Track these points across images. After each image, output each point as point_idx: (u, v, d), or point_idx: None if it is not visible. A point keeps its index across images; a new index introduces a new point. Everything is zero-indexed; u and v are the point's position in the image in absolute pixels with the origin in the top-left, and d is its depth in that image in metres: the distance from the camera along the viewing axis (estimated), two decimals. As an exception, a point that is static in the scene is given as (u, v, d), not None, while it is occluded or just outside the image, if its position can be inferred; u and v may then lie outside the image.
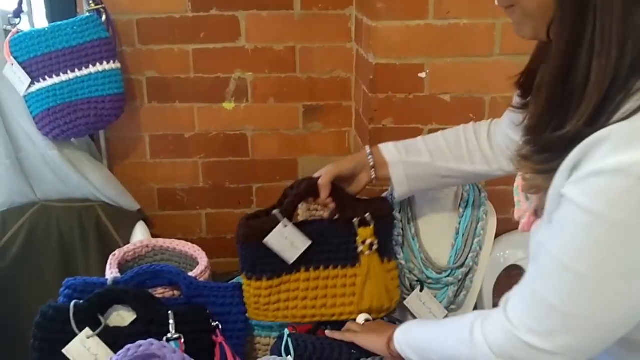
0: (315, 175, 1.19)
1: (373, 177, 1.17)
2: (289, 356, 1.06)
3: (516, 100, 0.93)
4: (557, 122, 0.68)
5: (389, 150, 1.16)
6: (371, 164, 1.16)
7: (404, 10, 1.47)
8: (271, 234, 1.14)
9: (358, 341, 1.10)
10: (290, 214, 1.17)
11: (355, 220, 1.17)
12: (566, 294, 0.69)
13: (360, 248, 1.18)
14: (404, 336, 0.99)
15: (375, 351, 1.07)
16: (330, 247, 1.19)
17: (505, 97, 1.54)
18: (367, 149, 1.17)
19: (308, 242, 1.16)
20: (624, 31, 0.62)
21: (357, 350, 1.10)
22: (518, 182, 0.90)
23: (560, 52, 0.66)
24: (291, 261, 1.17)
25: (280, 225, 1.15)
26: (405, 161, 1.15)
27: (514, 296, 0.78)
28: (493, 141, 1.17)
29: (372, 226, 1.17)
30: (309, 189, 1.19)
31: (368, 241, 1.17)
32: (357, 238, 1.18)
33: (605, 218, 0.63)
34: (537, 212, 0.81)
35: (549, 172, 0.70)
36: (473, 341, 0.80)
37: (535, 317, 0.72)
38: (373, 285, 1.18)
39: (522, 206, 0.87)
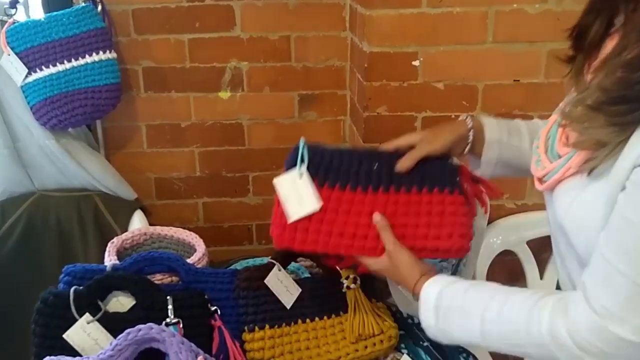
0: (400, 144, 1.05)
1: (466, 152, 1.05)
2: (303, 164, 0.98)
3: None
4: None
5: (490, 126, 1.04)
6: (470, 139, 1.03)
7: (397, -2, 1.48)
8: (270, 275, 1.21)
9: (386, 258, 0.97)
10: (282, 263, 1.24)
11: (337, 266, 1.24)
12: None
13: (345, 283, 1.23)
14: (441, 295, 0.88)
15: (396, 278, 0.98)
16: (320, 299, 1.24)
17: (498, 85, 1.56)
18: (469, 121, 1.03)
19: (298, 289, 1.23)
20: None
21: (377, 161, 1.00)
22: (540, 141, 0.88)
23: None
24: (288, 305, 1.22)
25: (275, 269, 1.21)
26: (503, 142, 1.03)
27: (595, 282, 0.72)
28: None
29: (352, 267, 1.24)
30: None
31: (351, 276, 1.22)
32: (342, 279, 1.23)
33: None
34: (584, 167, 0.75)
35: (626, 125, 0.67)
36: (558, 343, 0.74)
37: (625, 304, 0.68)
38: (361, 314, 1.23)
39: (545, 165, 0.84)
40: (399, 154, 1.00)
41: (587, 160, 0.74)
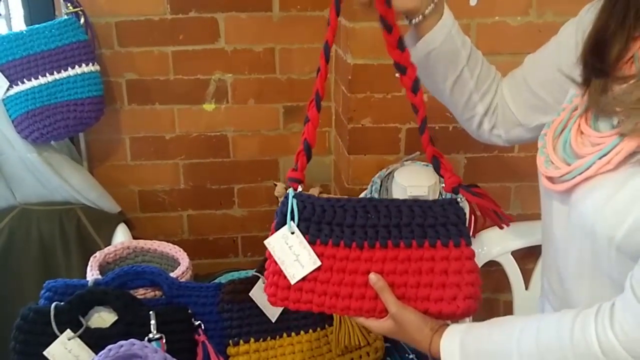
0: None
1: (427, 13, 0.96)
2: (292, 222, 0.92)
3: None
4: None
5: (449, 15, 0.98)
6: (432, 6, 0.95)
7: (380, 11, 1.48)
8: (255, 287, 1.20)
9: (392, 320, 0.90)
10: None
11: None
12: None
13: None
14: (463, 344, 0.82)
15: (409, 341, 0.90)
16: (306, 313, 1.22)
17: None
18: None
19: None
20: None
21: (372, 211, 0.93)
22: (545, 141, 0.86)
23: None
24: (274, 319, 1.22)
25: (260, 282, 1.21)
26: (452, 35, 0.98)
27: (627, 306, 0.69)
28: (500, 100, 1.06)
29: None
30: None
31: None
32: None
33: None
34: (632, 158, 0.73)
35: None
36: (612, 358, 0.69)
37: None
38: (347, 326, 1.23)
39: (559, 166, 0.81)
40: (395, 202, 0.93)
41: (635, 152, 0.71)
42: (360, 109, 1.58)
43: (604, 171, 0.74)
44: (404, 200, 0.93)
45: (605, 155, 0.74)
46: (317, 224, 0.92)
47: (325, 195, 1.07)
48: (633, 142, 0.71)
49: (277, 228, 0.93)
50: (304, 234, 0.92)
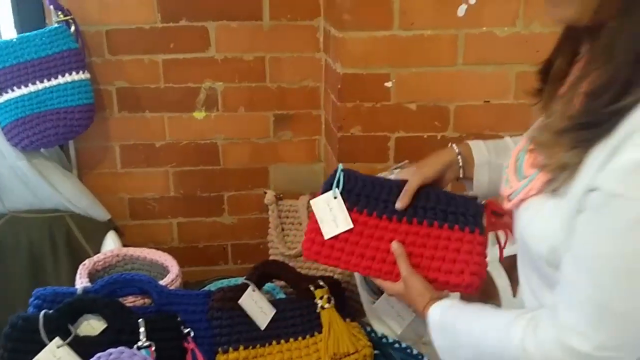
0: (393, 177, 1.16)
1: (460, 176, 1.10)
2: (337, 188, 1.09)
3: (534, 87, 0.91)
4: (617, 93, 0.67)
5: (479, 149, 1.09)
6: (460, 164, 1.08)
7: (369, 21, 1.50)
8: (244, 295, 1.23)
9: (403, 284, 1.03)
10: (256, 283, 1.27)
11: (311, 286, 1.29)
12: (613, 292, 0.68)
13: (320, 303, 1.27)
14: (439, 317, 0.94)
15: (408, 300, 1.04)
16: (294, 320, 1.27)
17: (469, 105, 1.59)
18: (455, 148, 1.09)
19: (273, 310, 1.26)
20: None
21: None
22: (509, 161, 0.91)
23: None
24: (263, 327, 1.24)
25: (249, 289, 1.24)
26: (493, 163, 1.07)
27: (564, 300, 0.74)
28: None
29: (326, 288, 1.29)
30: (274, 267, 1.33)
31: (325, 296, 1.27)
32: (315, 299, 1.28)
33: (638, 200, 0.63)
34: (546, 187, 0.78)
35: (585, 147, 0.69)
36: (527, 356, 0.77)
37: (587, 320, 0.71)
38: (336, 333, 1.25)
39: (512, 185, 0.87)
40: (426, 188, 1.07)
41: (549, 181, 0.77)
42: (350, 117, 1.59)
43: (530, 195, 0.81)
44: (434, 188, 1.08)
45: (531, 181, 0.81)
46: (357, 195, 1.09)
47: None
48: (544, 176, 0.78)
49: (323, 192, 1.10)
50: (344, 200, 1.09)
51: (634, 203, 0.65)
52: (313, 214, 1.10)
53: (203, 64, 1.76)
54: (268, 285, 1.41)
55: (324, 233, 1.08)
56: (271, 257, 1.67)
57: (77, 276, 1.30)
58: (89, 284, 1.25)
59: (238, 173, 1.88)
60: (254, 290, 1.25)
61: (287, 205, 1.74)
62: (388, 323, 1.36)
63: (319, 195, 1.11)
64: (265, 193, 1.76)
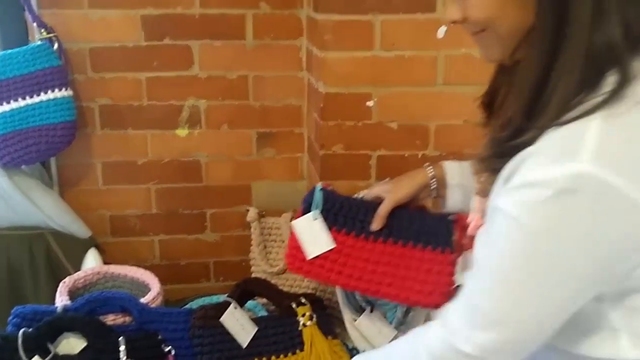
0: (367, 197, 1.19)
1: (434, 196, 1.15)
2: (317, 209, 1.13)
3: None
4: (518, 131, 0.72)
5: (452, 171, 1.13)
6: (433, 186, 1.13)
7: (351, 41, 1.53)
8: (226, 313, 1.23)
9: None
10: (238, 301, 1.28)
11: (293, 304, 1.30)
12: (490, 297, 0.73)
13: (302, 321, 1.28)
14: None
15: None
16: (276, 338, 1.28)
17: (449, 125, 1.62)
18: (430, 170, 1.13)
19: (255, 327, 1.26)
20: (587, 49, 0.67)
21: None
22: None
23: (538, 67, 0.70)
24: (245, 344, 1.24)
25: (231, 307, 1.24)
26: (465, 185, 1.12)
27: (452, 304, 0.81)
28: None
29: (308, 305, 1.30)
30: (256, 284, 1.34)
31: (307, 314, 1.28)
32: (297, 317, 1.29)
33: (525, 225, 0.68)
34: (481, 213, 0.87)
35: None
36: (418, 356, 0.83)
37: (467, 321, 0.76)
38: (317, 351, 1.26)
39: (475, 210, 0.93)
40: (401, 210, 1.12)
41: (481, 205, 0.84)
42: (332, 136, 1.61)
43: (480, 223, 0.88)
44: (408, 210, 1.13)
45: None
46: (335, 215, 1.14)
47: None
48: (479, 202, 0.86)
49: (304, 213, 1.14)
50: (324, 220, 1.13)
51: (511, 219, 0.69)
52: (293, 232, 1.14)
53: (186, 82, 1.77)
54: (250, 303, 1.41)
55: (306, 254, 1.13)
56: (253, 275, 1.67)
57: (57, 294, 1.29)
58: (69, 302, 1.24)
59: (220, 190, 1.89)
60: (235, 308, 1.25)
61: (269, 223, 1.74)
62: (370, 340, 1.36)
63: (298, 215, 1.14)
64: (248, 210, 1.77)
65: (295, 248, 1.15)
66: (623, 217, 0.64)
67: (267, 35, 1.76)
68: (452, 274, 1.09)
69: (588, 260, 0.67)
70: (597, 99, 0.66)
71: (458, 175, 1.12)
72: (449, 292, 1.07)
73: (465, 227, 1.10)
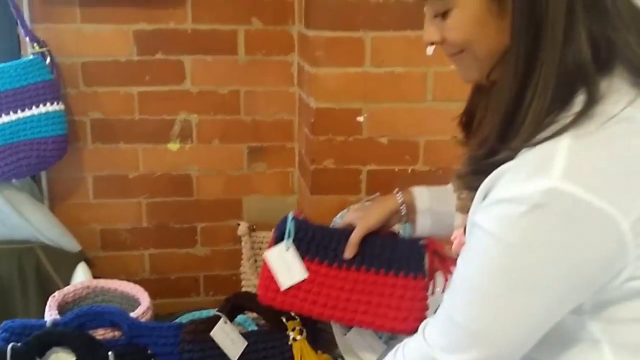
0: (339, 224, 1.21)
1: (403, 221, 1.17)
2: (290, 239, 1.13)
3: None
4: (494, 150, 0.74)
5: (421, 197, 1.15)
6: (403, 212, 1.15)
7: (342, 58, 1.55)
8: (215, 327, 1.23)
9: None
10: (228, 315, 1.28)
11: (283, 318, 1.29)
12: (469, 311, 0.75)
13: (291, 335, 1.28)
14: None
15: None
16: (266, 352, 1.27)
17: (438, 140, 1.63)
18: (400, 196, 1.15)
19: (245, 342, 1.26)
20: (557, 72, 0.69)
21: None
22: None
23: (513, 86, 0.72)
24: (234, 359, 1.24)
25: (221, 321, 1.24)
26: (434, 210, 1.15)
27: (432, 319, 0.83)
28: None
29: (298, 319, 1.29)
30: (246, 298, 1.33)
31: (297, 328, 1.28)
32: (288, 331, 1.28)
33: (502, 240, 0.70)
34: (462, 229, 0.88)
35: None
36: None
37: (446, 335, 0.78)
38: None
39: (458, 227, 0.94)
40: (372, 237, 1.12)
41: (463, 221, 0.84)
42: (323, 150, 1.62)
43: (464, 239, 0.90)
44: (379, 236, 1.13)
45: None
46: (307, 244, 1.14)
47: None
48: (462, 218, 0.86)
49: (276, 242, 1.14)
50: (296, 249, 1.13)
51: (488, 234, 0.71)
52: (266, 263, 1.14)
53: (178, 97, 1.78)
54: (240, 317, 1.41)
55: (280, 284, 1.13)
56: (244, 289, 1.67)
57: (47, 308, 1.29)
58: (58, 317, 1.24)
59: (211, 204, 1.89)
60: (225, 322, 1.25)
61: (260, 237, 1.75)
62: (360, 355, 1.37)
63: (271, 244, 1.14)
64: (239, 225, 1.77)
65: (268, 279, 1.14)
66: (593, 230, 0.66)
67: (259, 50, 1.78)
68: (425, 298, 1.11)
69: (563, 272, 0.69)
70: (567, 119, 0.69)
71: (427, 200, 1.15)
72: (423, 317, 1.09)
73: (436, 251, 1.13)
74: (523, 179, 0.68)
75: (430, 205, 1.14)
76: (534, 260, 0.69)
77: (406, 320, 1.09)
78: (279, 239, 1.14)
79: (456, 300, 0.77)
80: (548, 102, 0.70)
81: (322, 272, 1.13)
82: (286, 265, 1.13)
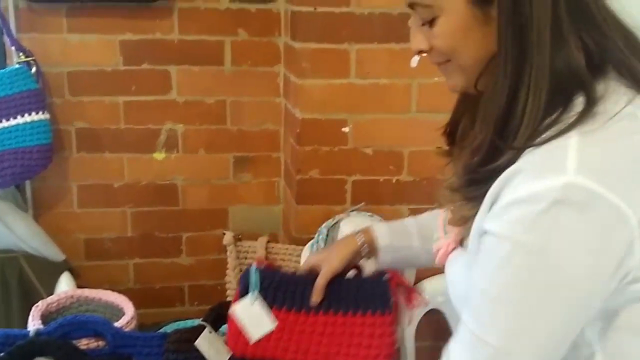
0: (302, 269, 1.20)
1: (366, 259, 1.18)
2: (256, 291, 1.11)
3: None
4: (492, 155, 0.73)
5: (382, 235, 1.16)
6: (364, 253, 1.16)
7: (327, 69, 1.57)
8: (200, 337, 1.22)
9: None
10: (213, 325, 1.27)
11: None
12: (498, 325, 0.70)
13: None
14: None
15: None
16: None
17: (423, 151, 1.65)
18: (360, 237, 1.15)
19: (229, 352, 1.23)
20: (550, 73, 0.70)
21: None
22: (439, 220, 0.97)
23: (503, 91, 0.72)
24: None
25: (206, 331, 1.23)
26: (395, 246, 1.16)
27: (454, 343, 0.77)
28: None
29: None
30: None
31: None
32: None
33: (523, 244, 0.67)
34: (462, 242, 0.86)
35: (478, 199, 0.74)
36: None
37: (476, 356, 0.72)
38: None
39: (440, 240, 0.93)
40: (337, 279, 1.13)
41: (458, 234, 0.85)
42: (308, 161, 1.64)
43: (451, 249, 0.89)
44: (343, 278, 1.14)
45: (449, 235, 0.89)
46: (274, 292, 1.13)
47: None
48: (456, 230, 0.86)
49: (241, 295, 1.12)
50: (263, 300, 1.12)
51: (504, 240, 0.68)
52: (232, 319, 1.13)
53: (164, 106, 1.78)
54: (225, 327, 1.41)
55: (249, 338, 1.12)
56: (229, 299, 1.67)
57: (30, 318, 1.28)
58: (41, 326, 1.23)
59: (197, 214, 1.89)
60: (210, 332, 1.25)
61: (245, 247, 1.75)
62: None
63: (236, 298, 1.13)
64: (224, 234, 1.77)
65: (236, 333, 1.13)
66: (612, 225, 0.66)
67: (245, 61, 1.79)
68: (393, 333, 1.12)
69: (588, 269, 0.67)
70: (570, 118, 0.69)
71: (388, 236, 1.16)
72: (394, 352, 1.11)
73: (399, 284, 1.15)
74: (537, 177, 0.66)
75: (391, 241, 1.15)
76: (557, 258, 0.66)
77: (378, 357, 1.10)
78: (243, 292, 1.13)
79: (481, 318, 0.71)
80: (543, 104, 0.70)
81: (290, 319, 1.13)
82: (254, 318, 1.12)
